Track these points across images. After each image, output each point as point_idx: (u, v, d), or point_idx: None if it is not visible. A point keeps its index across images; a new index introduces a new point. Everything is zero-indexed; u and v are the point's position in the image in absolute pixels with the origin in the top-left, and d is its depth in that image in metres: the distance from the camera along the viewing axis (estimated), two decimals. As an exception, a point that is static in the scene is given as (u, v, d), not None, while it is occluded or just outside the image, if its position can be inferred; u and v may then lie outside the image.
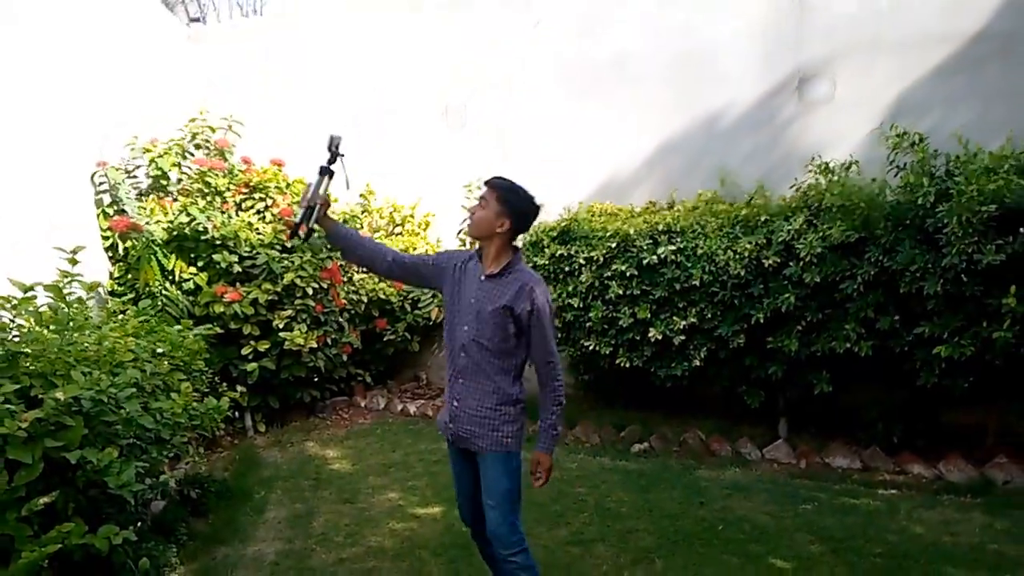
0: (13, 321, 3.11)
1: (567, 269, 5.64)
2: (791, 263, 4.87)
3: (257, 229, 6.06)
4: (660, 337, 5.23)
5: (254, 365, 5.65)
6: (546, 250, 5.72)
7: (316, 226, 2.84)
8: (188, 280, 5.66)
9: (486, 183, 2.81)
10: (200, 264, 5.75)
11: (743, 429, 5.59)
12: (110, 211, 5.65)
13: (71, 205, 5.38)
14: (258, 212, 6.37)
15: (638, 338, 5.40)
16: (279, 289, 5.73)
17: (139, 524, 3.48)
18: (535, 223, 2.99)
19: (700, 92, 6.24)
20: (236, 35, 7.97)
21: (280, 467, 5.28)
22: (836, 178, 4.97)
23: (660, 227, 5.37)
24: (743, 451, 5.29)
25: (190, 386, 3.86)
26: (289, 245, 5.99)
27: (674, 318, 5.24)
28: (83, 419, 2.76)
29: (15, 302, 3.04)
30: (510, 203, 2.74)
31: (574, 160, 6.74)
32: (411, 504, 4.50)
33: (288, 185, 6.63)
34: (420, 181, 7.31)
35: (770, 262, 4.89)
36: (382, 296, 6.71)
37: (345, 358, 6.41)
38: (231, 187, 6.31)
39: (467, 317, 2.74)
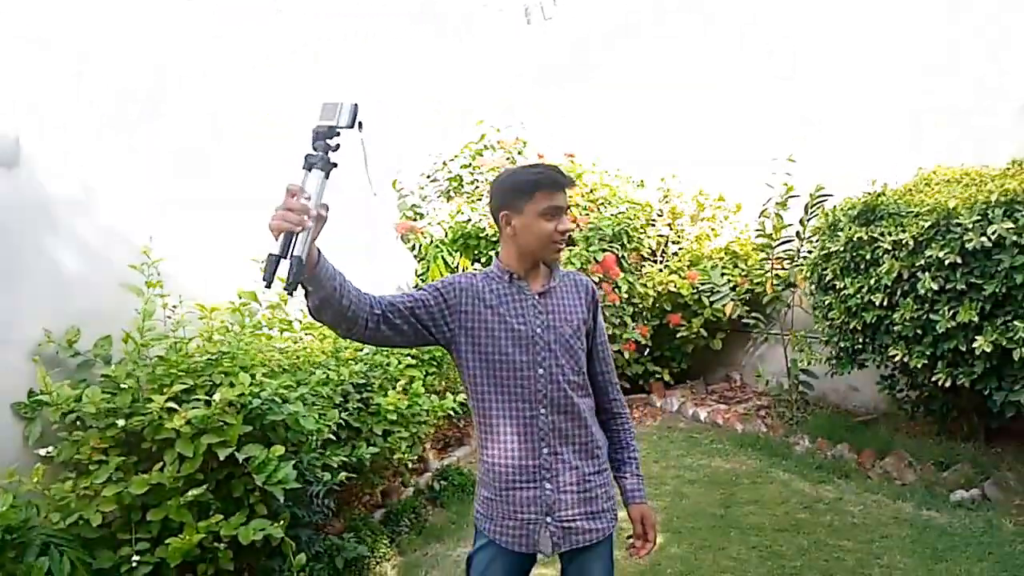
0: (231, 328, 3.58)
1: (868, 257, 4.41)
2: None
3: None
4: (989, 349, 3.75)
5: (528, 360, 5.67)
6: (841, 233, 4.56)
7: (303, 256, 1.50)
8: (471, 276, 5.95)
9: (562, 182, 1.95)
10: (483, 261, 5.99)
11: None
12: (410, 214, 6.23)
13: (380, 211, 6.07)
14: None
15: (962, 348, 3.95)
16: (547, 284, 5.64)
17: (302, 517, 3.57)
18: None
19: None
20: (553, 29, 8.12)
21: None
22: None
23: (995, 197, 3.83)
24: None
25: (401, 386, 4.02)
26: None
27: (1015, 323, 3.70)
28: (243, 418, 3.04)
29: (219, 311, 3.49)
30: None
31: (907, 114, 5.27)
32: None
33: (579, 176, 6.50)
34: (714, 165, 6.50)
35: None
36: (672, 289, 6.13)
37: (627, 355, 6.04)
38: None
39: (535, 355, 1.91)
